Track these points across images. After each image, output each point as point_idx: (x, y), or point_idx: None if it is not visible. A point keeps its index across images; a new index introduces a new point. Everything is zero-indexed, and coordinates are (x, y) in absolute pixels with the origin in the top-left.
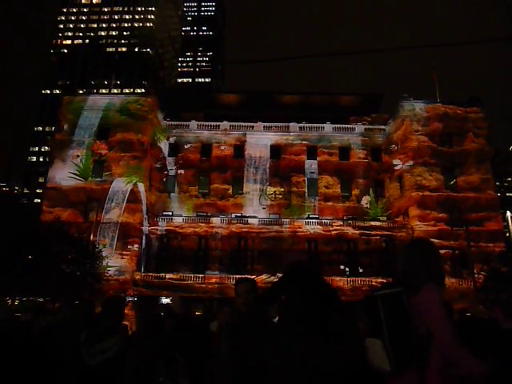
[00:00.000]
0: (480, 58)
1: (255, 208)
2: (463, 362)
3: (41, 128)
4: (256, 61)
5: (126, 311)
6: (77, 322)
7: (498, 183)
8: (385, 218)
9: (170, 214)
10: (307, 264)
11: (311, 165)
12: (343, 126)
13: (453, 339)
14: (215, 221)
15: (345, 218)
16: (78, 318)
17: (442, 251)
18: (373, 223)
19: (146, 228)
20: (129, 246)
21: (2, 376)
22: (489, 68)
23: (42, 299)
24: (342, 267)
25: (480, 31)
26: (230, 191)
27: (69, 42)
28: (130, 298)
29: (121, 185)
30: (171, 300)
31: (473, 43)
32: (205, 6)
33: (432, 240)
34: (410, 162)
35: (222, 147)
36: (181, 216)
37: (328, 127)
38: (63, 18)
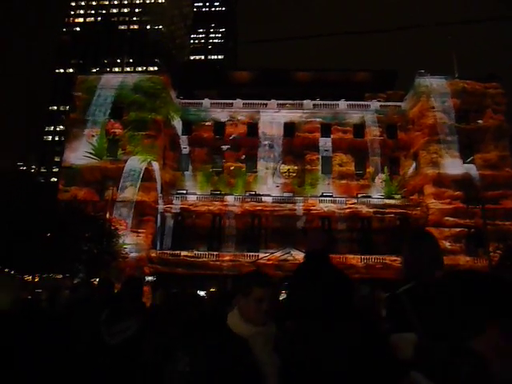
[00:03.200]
0: (499, 32)
1: (269, 186)
2: None
3: (55, 107)
4: (269, 40)
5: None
6: (96, 301)
7: None
8: (399, 196)
9: (185, 192)
10: (328, 255)
11: (325, 142)
12: (358, 103)
13: None
14: (229, 199)
15: (359, 195)
16: (98, 296)
17: (457, 229)
18: (387, 201)
19: (160, 206)
20: (144, 224)
21: (22, 356)
22: (509, 43)
23: (60, 276)
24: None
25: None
26: (244, 169)
27: (81, 19)
28: (150, 278)
29: (135, 163)
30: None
31: (490, 20)
32: None
33: (447, 218)
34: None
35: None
36: (195, 194)
37: (342, 104)
38: None
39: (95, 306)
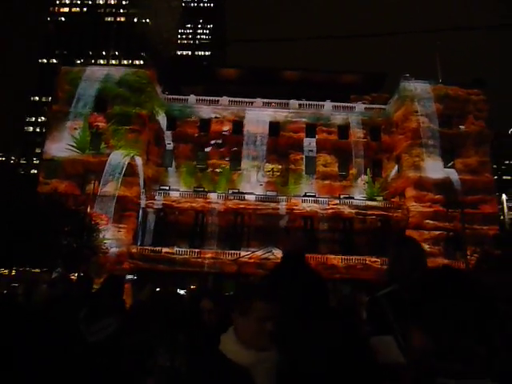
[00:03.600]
0: (484, 38)
1: (252, 184)
2: None
3: (38, 98)
4: (257, 40)
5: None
6: (75, 297)
7: (495, 166)
8: (381, 198)
9: (167, 188)
10: (303, 255)
11: (310, 143)
12: (343, 104)
13: None
14: (212, 196)
15: (341, 196)
16: (77, 292)
17: (436, 232)
18: (369, 203)
19: (143, 202)
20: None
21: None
22: (492, 49)
23: (38, 270)
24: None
25: (485, 13)
26: (228, 167)
27: (66, 9)
28: (130, 276)
29: (118, 158)
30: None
31: (474, 29)
32: None
33: (427, 221)
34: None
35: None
36: (178, 191)
37: (328, 105)
38: None
39: (74, 302)
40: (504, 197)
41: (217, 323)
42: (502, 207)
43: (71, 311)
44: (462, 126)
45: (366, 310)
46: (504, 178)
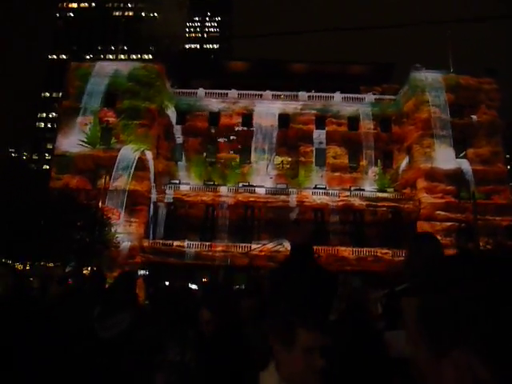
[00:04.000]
0: (496, 27)
1: (262, 177)
2: None
3: (48, 94)
4: (264, 35)
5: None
6: (88, 292)
7: (508, 156)
8: (392, 190)
9: (178, 182)
10: (311, 247)
11: (319, 135)
12: (353, 95)
13: None
14: (222, 190)
15: (352, 188)
16: (90, 287)
17: (448, 224)
18: (380, 194)
19: (153, 196)
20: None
21: (13, 351)
22: (504, 38)
23: (52, 264)
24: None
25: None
26: (238, 160)
27: (75, 5)
28: (142, 272)
29: (128, 152)
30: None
31: (486, 19)
32: None
33: (439, 212)
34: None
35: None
36: (188, 184)
37: (337, 96)
38: None
39: (87, 297)
40: None
41: (213, 334)
42: None
43: (84, 306)
44: (473, 116)
45: (383, 305)
46: None
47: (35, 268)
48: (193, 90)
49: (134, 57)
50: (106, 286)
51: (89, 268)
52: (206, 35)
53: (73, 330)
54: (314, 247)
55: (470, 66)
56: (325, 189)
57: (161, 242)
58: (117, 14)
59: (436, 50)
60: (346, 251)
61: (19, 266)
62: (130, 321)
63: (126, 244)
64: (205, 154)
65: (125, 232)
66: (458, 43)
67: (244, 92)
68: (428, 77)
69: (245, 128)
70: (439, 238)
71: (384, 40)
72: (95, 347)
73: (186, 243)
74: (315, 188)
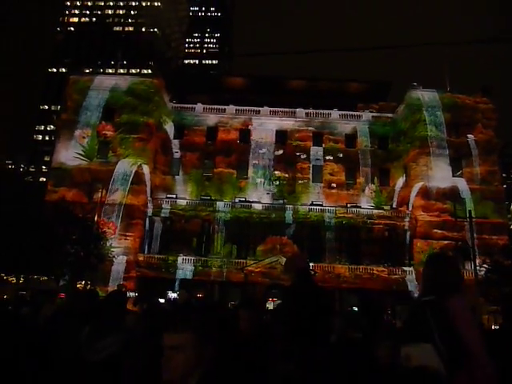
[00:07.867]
0: (493, 48)
1: (259, 193)
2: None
3: (46, 106)
4: (264, 53)
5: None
6: (80, 314)
7: (504, 175)
8: (388, 207)
9: (174, 196)
10: (310, 272)
11: (317, 151)
12: (350, 113)
13: (480, 344)
14: (219, 205)
15: (349, 205)
16: (81, 309)
17: (444, 242)
18: (376, 212)
19: (149, 210)
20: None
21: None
22: (501, 58)
23: (45, 278)
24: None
25: (493, 24)
26: (235, 175)
27: (75, 19)
28: (132, 294)
29: (125, 166)
30: (178, 294)
31: (482, 42)
32: None
33: (435, 231)
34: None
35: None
36: (185, 199)
37: (335, 114)
38: None
39: (78, 320)
40: None
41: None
42: None
43: (74, 330)
44: (470, 135)
45: (409, 315)
46: None
47: (28, 281)
48: (191, 105)
49: (133, 71)
50: (98, 303)
51: (82, 282)
52: (205, 51)
53: (61, 355)
54: (311, 264)
55: (467, 85)
56: (321, 205)
57: (156, 256)
58: (117, 29)
59: (433, 68)
60: (343, 268)
61: (12, 279)
62: (121, 344)
63: (121, 258)
64: (202, 169)
65: (120, 246)
66: (455, 61)
67: (242, 108)
68: (425, 95)
69: (242, 143)
70: None
71: (382, 58)
72: (83, 371)
73: (181, 258)
74: (312, 204)
